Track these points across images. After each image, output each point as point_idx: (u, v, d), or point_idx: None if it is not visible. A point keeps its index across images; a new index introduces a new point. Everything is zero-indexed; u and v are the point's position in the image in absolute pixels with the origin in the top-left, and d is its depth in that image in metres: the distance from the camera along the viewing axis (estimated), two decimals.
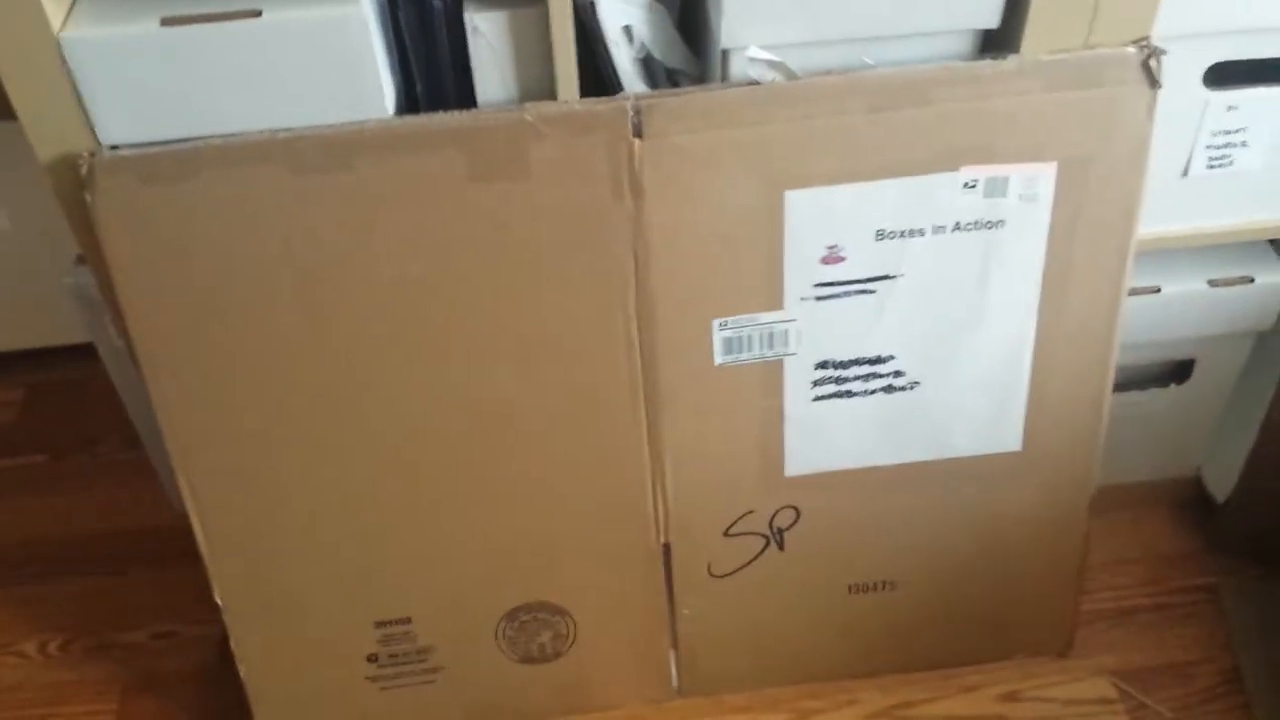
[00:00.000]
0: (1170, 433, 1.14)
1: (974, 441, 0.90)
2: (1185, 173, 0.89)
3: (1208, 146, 0.89)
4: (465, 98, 0.75)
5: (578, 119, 0.73)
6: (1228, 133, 0.88)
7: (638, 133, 0.73)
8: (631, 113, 0.73)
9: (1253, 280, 0.99)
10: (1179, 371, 1.09)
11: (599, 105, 0.73)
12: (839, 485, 0.91)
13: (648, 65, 0.79)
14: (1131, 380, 1.08)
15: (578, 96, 0.74)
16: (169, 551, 1.14)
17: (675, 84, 0.80)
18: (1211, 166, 0.90)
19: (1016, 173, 0.78)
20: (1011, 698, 1.03)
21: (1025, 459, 0.92)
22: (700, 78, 0.80)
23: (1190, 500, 1.18)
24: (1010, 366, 0.87)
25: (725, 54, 0.75)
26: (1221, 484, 1.14)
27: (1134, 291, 0.96)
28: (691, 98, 0.74)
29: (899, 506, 0.93)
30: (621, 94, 0.74)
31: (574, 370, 0.82)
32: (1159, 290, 0.98)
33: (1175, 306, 1.00)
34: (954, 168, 0.78)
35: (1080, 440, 0.92)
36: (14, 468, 1.29)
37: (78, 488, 1.26)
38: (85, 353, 1.02)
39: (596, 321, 0.80)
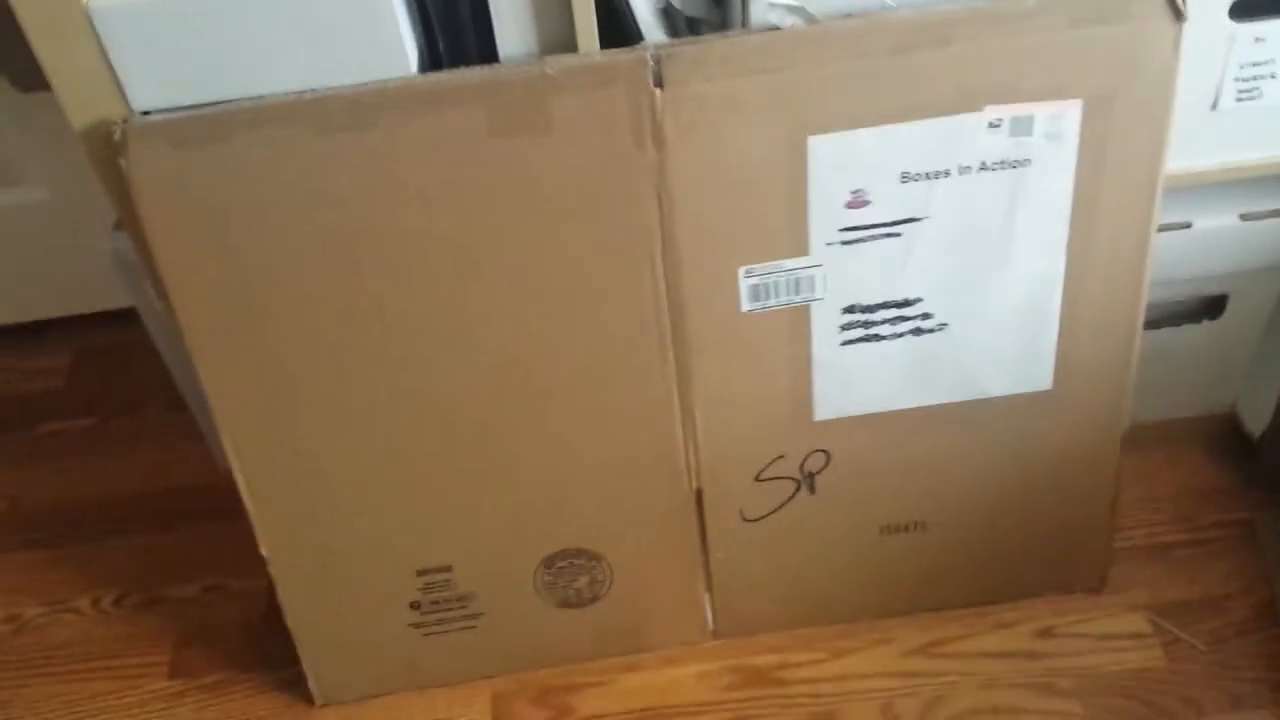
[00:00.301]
0: (1204, 369, 1.14)
1: (1004, 381, 0.91)
2: (1214, 106, 0.89)
3: (1236, 79, 0.88)
4: (487, 53, 0.75)
5: (598, 70, 0.73)
6: (1255, 65, 0.87)
7: (658, 82, 0.74)
8: (652, 62, 0.73)
9: None
10: (1212, 307, 1.08)
11: (619, 56, 0.73)
12: (869, 428, 0.92)
13: (668, 15, 0.79)
14: (1164, 317, 1.08)
15: (598, 48, 0.74)
16: (215, 508, 1.16)
17: (696, 32, 0.80)
18: (1240, 99, 0.89)
19: (1041, 111, 0.78)
20: (1046, 634, 1.04)
21: (1056, 397, 0.92)
22: (721, 25, 0.80)
23: (1225, 437, 1.18)
24: (1039, 306, 0.87)
25: (745, 0, 0.75)
26: (1257, 419, 1.14)
27: (1164, 227, 0.96)
28: (711, 45, 0.74)
29: (929, 448, 0.94)
30: (641, 44, 0.74)
31: (603, 321, 0.83)
32: (1190, 225, 0.97)
33: (1207, 241, 0.99)
34: (978, 108, 0.78)
35: (1112, 377, 0.92)
36: (63, 431, 1.33)
37: (125, 449, 1.29)
38: (129, 318, 1.04)
39: (623, 272, 0.81)
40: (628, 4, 0.74)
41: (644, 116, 0.74)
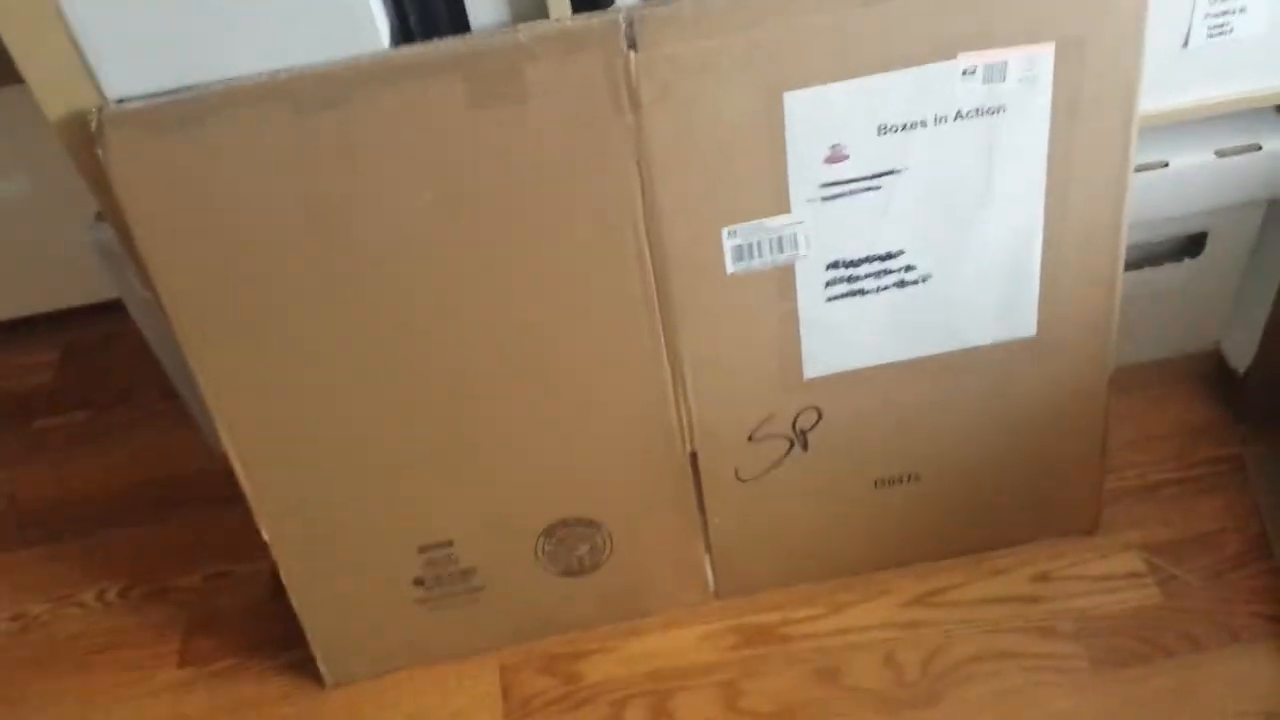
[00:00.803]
0: (1187, 308, 1.15)
1: (989, 330, 0.92)
2: (1185, 44, 0.89)
3: (1206, 15, 0.88)
4: (458, 24, 0.75)
5: (570, 36, 0.73)
6: (1225, 0, 0.87)
7: (632, 45, 0.74)
8: (624, 25, 0.73)
9: (1260, 148, 0.99)
10: (1191, 246, 1.09)
11: (591, 20, 0.73)
12: (858, 384, 0.92)
13: None
14: (1145, 258, 1.09)
15: (569, 14, 0.74)
16: (214, 495, 1.17)
17: None
18: (1212, 35, 0.89)
19: (1014, 56, 0.79)
20: (1043, 578, 1.05)
21: (1041, 344, 0.93)
22: None
23: (1211, 374, 1.19)
24: (1020, 252, 0.88)
25: None
26: (1241, 355, 1.15)
27: (1141, 167, 0.97)
28: (682, 6, 0.74)
29: (919, 400, 0.94)
30: (612, 7, 0.74)
31: (588, 287, 0.84)
32: (1166, 164, 0.98)
33: (1184, 179, 1.00)
34: (951, 56, 0.78)
35: (1095, 321, 0.93)
36: (57, 426, 1.33)
37: (120, 440, 1.30)
38: (115, 309, 1.04)
39: (607, 237, 0.81)
40: None
41: (619, 80, 0.75)
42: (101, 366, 1.38)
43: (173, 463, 1.25)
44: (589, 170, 0.78)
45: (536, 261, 0.82)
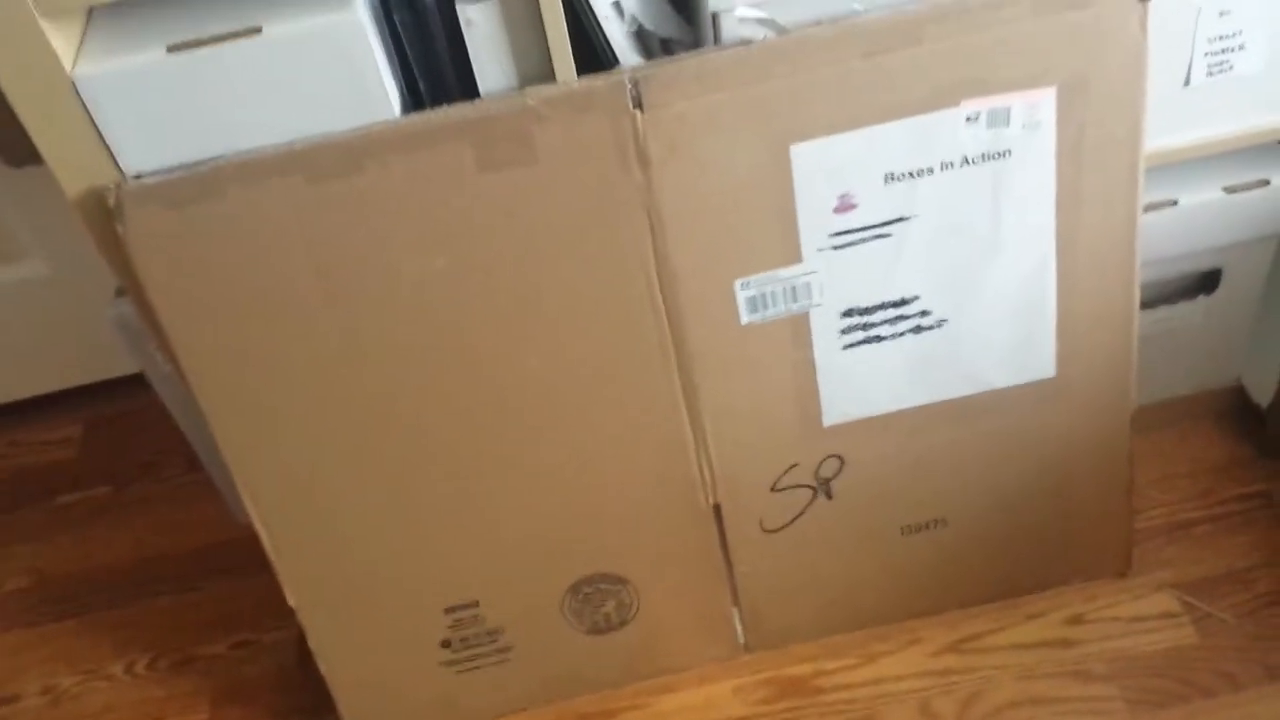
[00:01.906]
0: (1205, 344, 1.14)
1: (1007, 372, 0.91)
2: (1186, 82, 0.90)
3: (1205, 54, 0.89)
4: (468, 89, 0.77)
5: (577, 98, 0.74)
6: (1223, 38, 0.88)
7: (638, 104, 0.75)
8: (629, 85, 0.74)
9: (1269, 183, 0.99)
10: (1206, 282, 1.09)
11: (597, 82, 0.74)
12: (878, 430, 0.92)
13: (641, 37, 0.81)
14: (1160, 296, 1.09)
15: (575, 76, 0.75)
16: (238, 564, 1.18)
17: (670, 53, 0.82)
18: (1211, 74, 0.90)
19: (1017, 101, 0.79)
20: (1077, 620, 1.04)
21: (1060, 385, 0.93)
22: (694, 44, 0.81)
23: (1234, 409, 1.18)
24: (1034, 293, 0.88)
25: (715, 16, 0.77)
26: (1263, 389, 1.14)
27: (1151, 206, 0.97)
28: (686, 64, 0.75)
29: (940, 445, 0.94)
30: (618, 68, 0.75)
31: (604, 344, 0.84)
32: (1176, 203, 0.98)
33: (1194, 217, 1.00)
34: (955, 103, 0.79)
35: (1114, 359, 0.93)
36: (81, 500, 1.33)
37: (144, 513, 1.30)
38: (137, 382, 1.05)
39: (621, 294, 0.82)
40: (601, 30, 0.75)
41: (627, 139, 0.76)
42: (124, 441, 1.39)
43: (196, 534, 1.26)
44: (600, 229, 0.79)
45: (552, 321, 0.83)
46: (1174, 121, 0.92)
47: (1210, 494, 1.13)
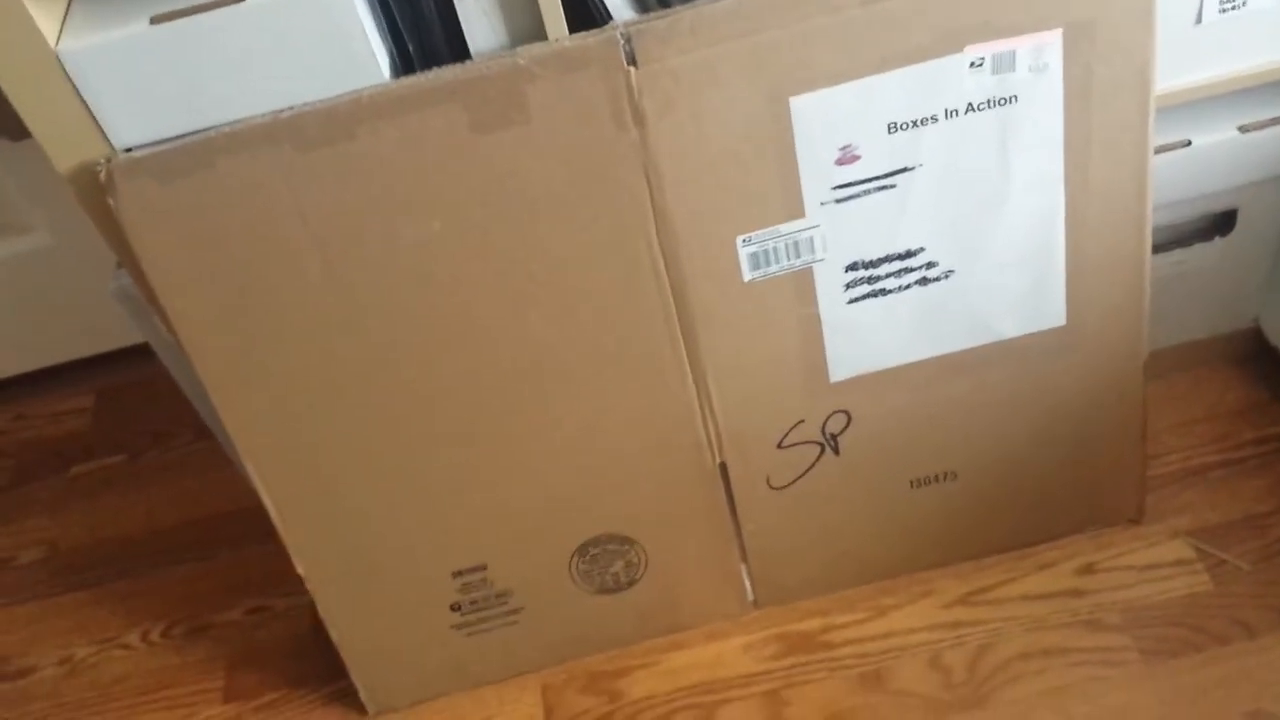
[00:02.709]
0: (1221, 287, 1.12)
1: (1017, 322, 0.90)
2: (1199, 20, 0.87)
3: None
4: (458, 51, 0.75)
5: (569, 56, 0.73)
6: None
7: (631, 61, 0.73)
8: (622, 41, 0.73)
9: None
10: (1221, 223, 1.07)
11: (589, 39, 0.73)
12: (886, 384, 0.91)
13: None
14: (1174, 239, 1.07)
15: (567, 34, 0.74)
16: (251, 532, 1.18)
17: (666, 6, 0.80)
18: (1224, 10, 0.87)
19: (1022, 45, 0.77)
20: (1089, 570, 1.03)
21: (1071, 332, 0.91)
22: None
23: (1251, 353, 1.17)
24: (1044, 241, 0.86)
25: None
26: None
27: (1163, 148, 0.95)
28: (679, 18, 0.73)
29: (950, 397, 0.93)
30: (610, 24, 0.74)
31: (605, 305, 0.83)
32: (1189, 143, 0.96)
33: (1208, 158, 0.98)
34: (958, 48, 0.77)
35: (1126, 306, 0.91)
36: (94, 470, 1.34)
37: (157, 482, 1.31)
38: (146, 352, 1.05)
39: (620, 254, 0.81)
40: None
41: (621, 96, 0.74)
42: (135, 410, 1.39)
43: (209, 502, 1.26)
44: (597, 188, 0.78)
45: (551, 282, 0.81)
46: (1186, 60, 0.89)
47: (1226, 438, 1.12)
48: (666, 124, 0.76)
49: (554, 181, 0.77)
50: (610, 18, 0.75)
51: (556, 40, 0.74)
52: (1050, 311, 0.90)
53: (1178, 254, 1.07)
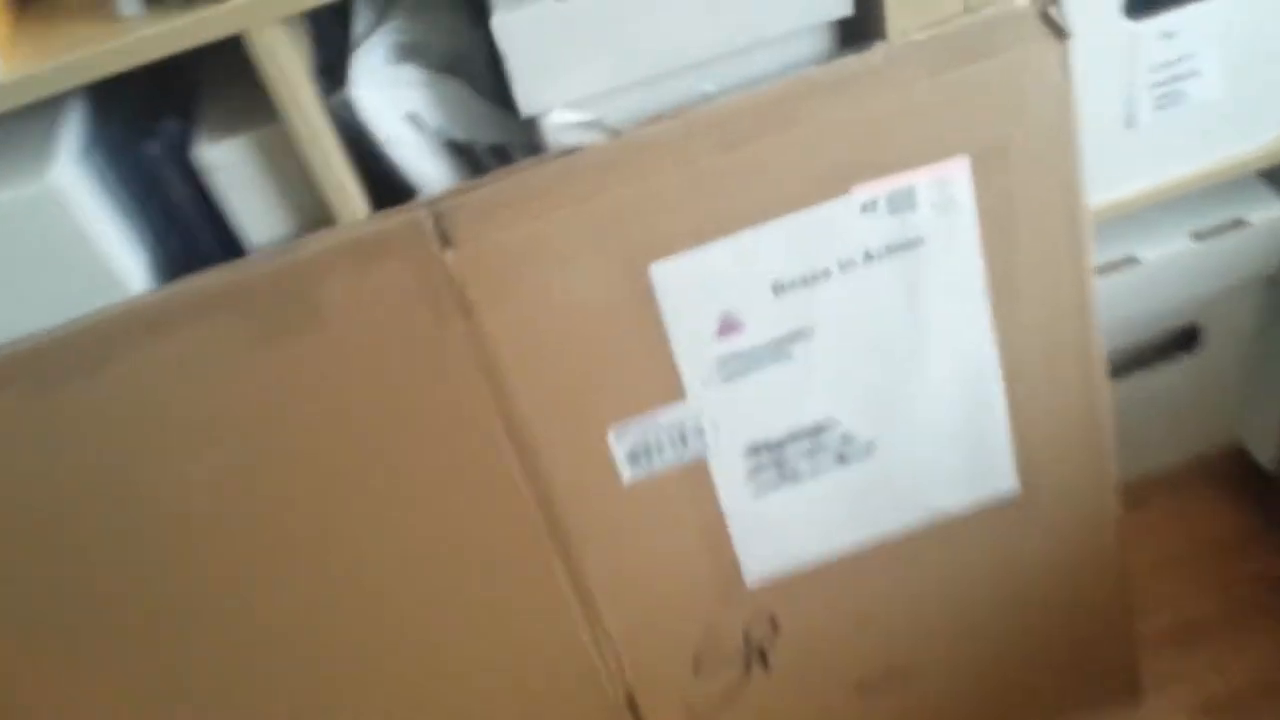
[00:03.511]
0: (1194, 405, 0.99)
1: (960, 494, 0.76)
2: (1129, 123, 0.75)
3: (1151, 86, 0.74)
4: (231, 247, 0.61)
5: (366, 244, 0.59)
6: (1169, 64, 0.74)
7: (446, 241, 0.60)
8: (430, 220, 0.59)
9: (1244, 222, 0.84)
10: (1184, 339, 0.94)
11: (388, 221, 0.59)
12: (815, 582, 0.76)
13: (464, 150, 0.65)
14: (1133, 360, 0.94)
15: (365, 213, 0.60)
16: None
17: (508, 158, 0.67)
18: (1162, 107, 0.75)
19: (920, 179, 0.64)
20: None
21: (1027, 498, 0.77)
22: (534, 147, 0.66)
23: (1235, 474, 1.03)
24: (979, 397, 0.73)
25: (533, 122, 0.62)
26: (1266, 447, 0.99)
27: (1106, 268, 0.82)
28: (499, 186, 0.60)
29: (892, 588, 0.78)
30: (415, 200, 0.60)
31: (462, 524, 0.68)
32: (1136, 260, 0.83)
33: (1161, 273, 0.86)
34: (844, 191, 0.64)
35: (1087, 457, 0.77)
36: None
37: None
38: None
39: (470, 466, 0.66)
40: (395, 150, 0.60)
41: (437, 285, 0.60)
42: None
43: None
44: (426, 394, 0.63)
45: (388, 504, 0.67)
46: (1122, 168, 0.78)
47: (1218, 578, 0.98)
48: (501, 310, 0.62)
49: (364, 393, 0.62)
50: (416, 191, 0.61)
51: (349, 225, 0.60)
52: (998, 478, 0.76)
53: (1140, 378, 0.94)
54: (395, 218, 0.59)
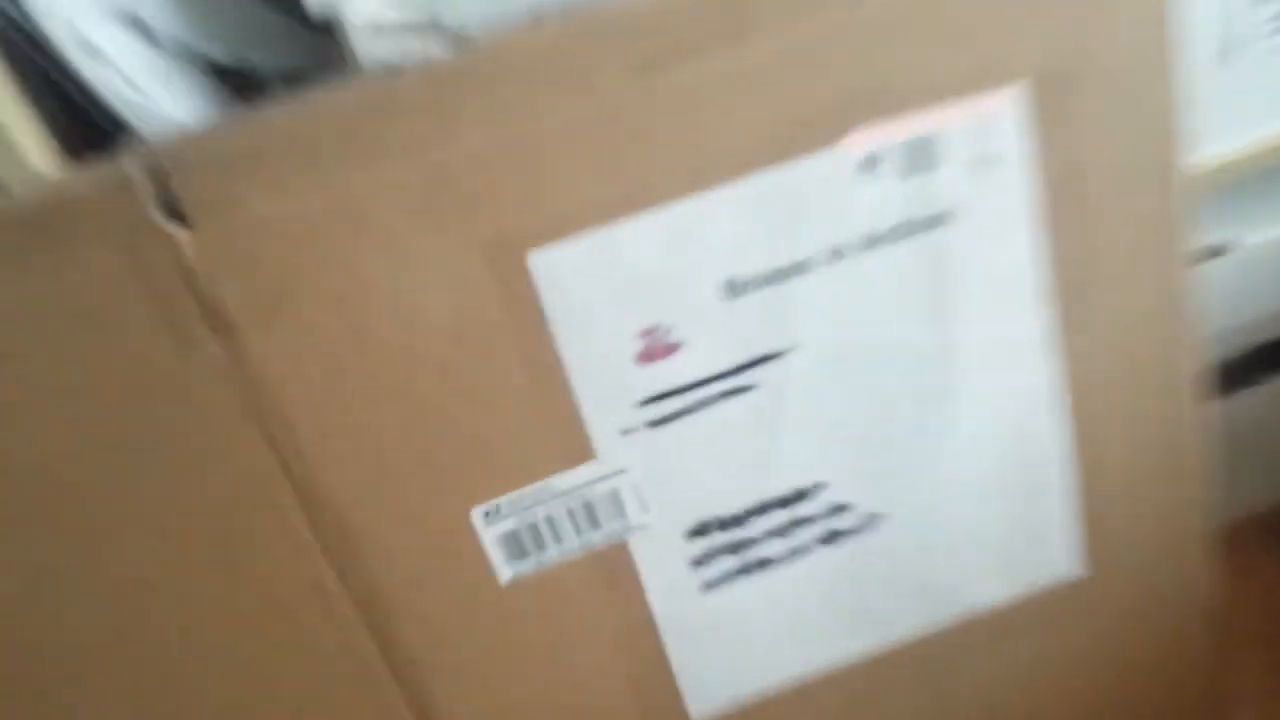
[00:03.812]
0: (1267, 445, 0.77)
1: (1000, 581, 0.53)
2: (1226, 55, 0.53)
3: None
4: None
5: (40, 221, 0.36)
6: None
7: (175, 214, 0.36)
8: (147, 180, 0.36)
9: None
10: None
11: (77, 183, 0.36)
12: (791, 711, 0.53)
13: (229, 75, 0.42)
14: (1238, 378, 0.72)
15: (51, 170, 0.37)
16: None
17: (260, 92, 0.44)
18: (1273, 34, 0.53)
19: (948, 123, 0.41)
20: None
21: (1094, 584, 0.54)
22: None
23: None
24: (1029, 444, 0.50)
25: (332, 26, 0.38)
26: None
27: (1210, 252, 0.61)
28: (268, 128, 0.36)
29: (906, 712, 0.55)
30: (133, 145, 0.37)
31: (266, 664, 0.45)
32: (1228, 246, 0.62)
33: (1261, 263, 0.64)
34: (833, 140, 0.41)
35: (1181, 523, 0.55)
36: None
37: None
38: None
39: (254, 570, 0.43)
40: (99, 73, 0.37)
41: (168, 284, 0.37)
42: None
43: None
44: (165, 463, 0.40)
45: (134, 651, 0.44)
46: (1213, 121, 0.55)
47: None
48: (282, 323, 0.39)
49: (86, 466, 0.39)
50: (132, 134, 0.38)
51: (20, 189, 0.37)
52: (1056, 556, 0.53)
53: (1245, 397, 0.73)
54: (88, 177, 0.35)
